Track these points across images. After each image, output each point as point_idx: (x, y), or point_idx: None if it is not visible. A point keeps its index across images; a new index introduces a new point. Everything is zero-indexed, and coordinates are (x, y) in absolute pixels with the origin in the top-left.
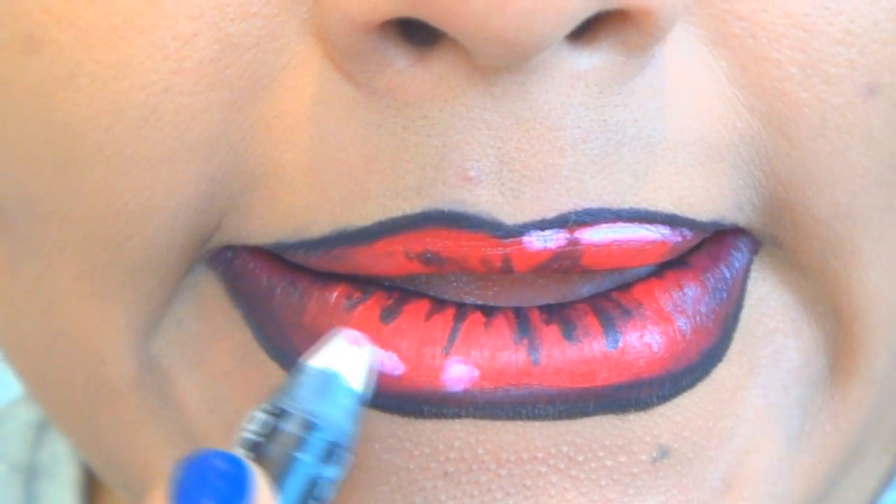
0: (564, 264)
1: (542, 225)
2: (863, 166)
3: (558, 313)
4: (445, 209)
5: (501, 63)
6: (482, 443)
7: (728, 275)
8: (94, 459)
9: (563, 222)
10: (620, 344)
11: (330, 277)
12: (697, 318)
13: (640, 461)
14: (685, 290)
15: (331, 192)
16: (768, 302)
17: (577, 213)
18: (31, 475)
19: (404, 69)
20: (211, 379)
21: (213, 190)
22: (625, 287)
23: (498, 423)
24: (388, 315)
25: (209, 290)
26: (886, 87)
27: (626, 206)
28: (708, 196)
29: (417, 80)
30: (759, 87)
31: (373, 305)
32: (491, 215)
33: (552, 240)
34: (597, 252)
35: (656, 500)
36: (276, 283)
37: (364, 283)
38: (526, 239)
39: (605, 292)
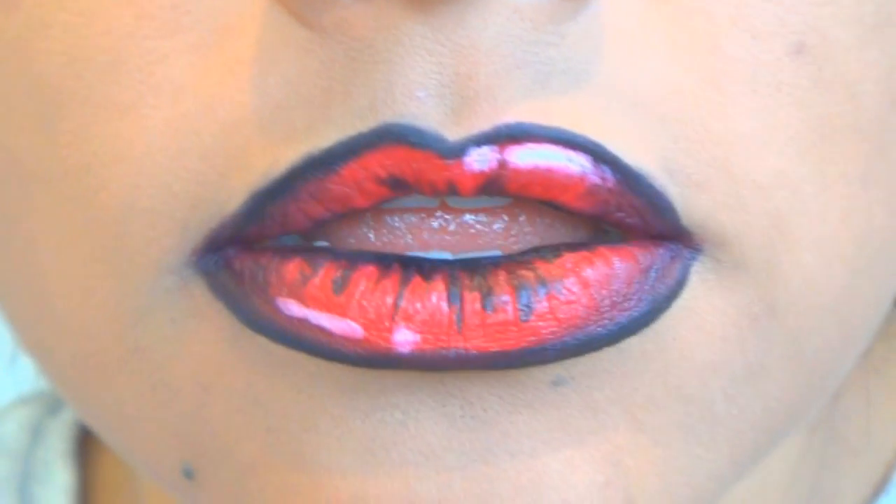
0: (495, 188)
1: (479, 140)
2: (795, 129)
3: (483, 278)
4: (397, 123)
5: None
6: (425, 389)
7: (661, 262)
8: (88, 422)
9: (496, 136)
10: (533, 316)
11: (287, 251)
12: (621, 300)
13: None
14: (614, 267)
15: (296, 124)
16: (702, 303)
17: (508, 126)
18: (25, 480)
19: (349, 5)
20: (203, 362)
21: (182, 143)
22: (552, 255)
23: (437, 375)
24: (338, 286)
25: (194, 286)
26: (813, 48)
27: (552, 125)
28: (635, 144)
29: (362, 16)
30: (694, 42)
31: (324, 278)
32: (436, 131)
33: (486, 161)
34: (522, 176)
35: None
36: (244, 265)
37: (315, 255)
38: (466, 159)
39: (529, 261)
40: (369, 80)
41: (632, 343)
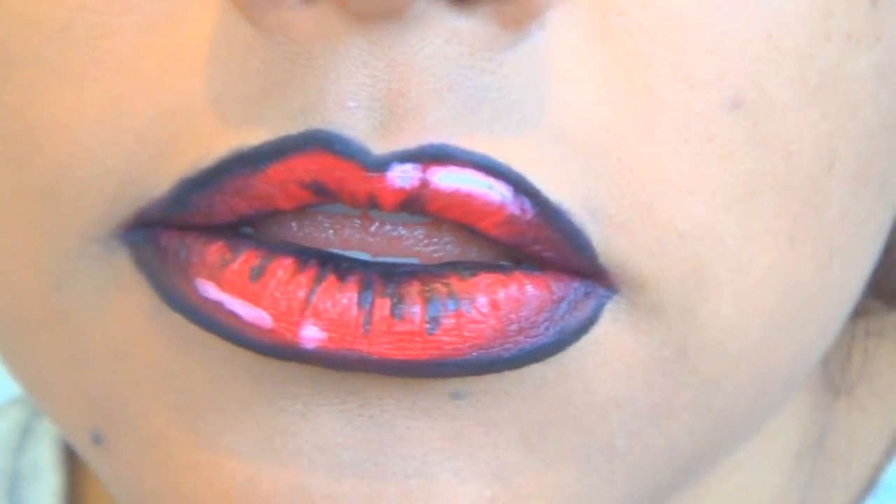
0: (415, 206)
1: (403, 157)
2: (723, 181)
3: (395, 286)
4: (324, 130)
5: (374, 13)
6: (327, 385)
7: (575, 296)
8: (17, 380)
9: (420, 155)
10: (439, 330)
11: (212, 233)
12: (528, 326)
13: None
14: (527, 293)
15: (230, 119)
16: (611, 340)
17: (433, 146)
18: (13, 481)
19: (294, 7)
20: (121, 332)
21: (118, 121)
22: (468, 273)
23: (340, 373)
24: (255, 274)
25: (119, 256)
26: (750, 104)
27: (477, 151)
28: (558, 179)
29: (304, 19)
30: (630, 86)
31: (242, 264)
32: (362, 142)
33: (408, 178)
34: (442, 198)
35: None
36: (170, 242)
37: (238, 241)
38: (389, 174)
39: (444, 275)
40: (303, 84)
41: (533, 369)
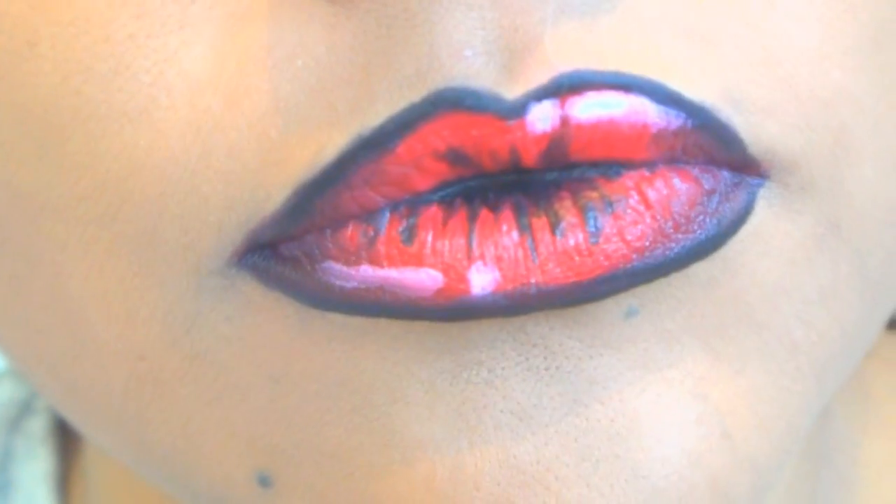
0: (559, 151)
1: (538, 94)
2: (852, 39)
3: (548, 202)
4: (449, 87)
5: None
6: (508, 342)
7: (725, 187)
8: (136, 456)
9: (556, 89)
10: (602, 238)
11: (334, 224)
12: (684, 222)
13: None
14: (676, 188)
15: (338, 106)
16: (769, 227)
17: (568, 76)
18: (5, 460)
19: None
20: (271, 355)
21: (207, 143)
22: (612, 174)
23: (518, 322)
24: (407, 236)
25: (242, 283)
26: None
27: (609, 70)
28: (696, 76)
29: None
30: None
31: (390, 230)
32: (492, 90)
33: (548, 118)
34: (586, 133)
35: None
36: (293, 251)
37: (371, 216)
38: (528, 118)
39: (591, 179)
40: (410, 47)
41: (699, 268)
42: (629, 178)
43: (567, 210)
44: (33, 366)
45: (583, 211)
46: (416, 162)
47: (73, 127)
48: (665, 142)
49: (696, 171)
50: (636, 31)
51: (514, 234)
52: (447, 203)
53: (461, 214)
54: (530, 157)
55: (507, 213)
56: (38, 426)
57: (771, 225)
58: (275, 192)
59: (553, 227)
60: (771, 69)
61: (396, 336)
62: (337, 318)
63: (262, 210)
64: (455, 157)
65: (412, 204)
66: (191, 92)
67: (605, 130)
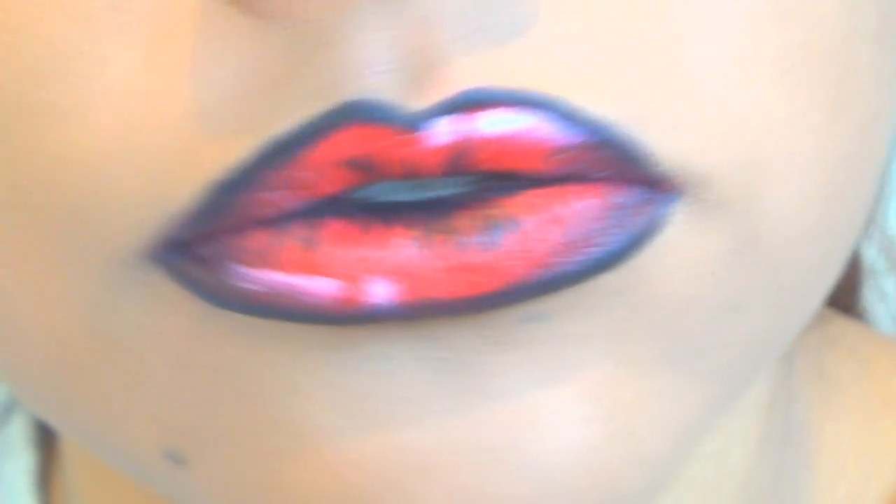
0: (462, 162)
1: (440, 110)
2: (760, 62)
3: (449, 220)
4: (356, 100)
5: None
6: (407, 336)
7: (635, 201)
8: (70, 433)
9: (457, 105)
10: (501, 255)
11: (243, 227)
12: (594, 235)
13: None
14: (586, 203)
15: (254, 113)
16: (682, 239)
17: (468, 92)
18: None
19: None
20: (177, 346)
21: (129, 143)
22: (518, 191)
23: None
24: (307, 243)
25: (156, 276)
26: None
27: (512, 86)
28: (602, 93)
29: (307, 1)
30: None
31: (292, 238)
32: (396, 104)
33: (451, 132)
34: (488, 145)
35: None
36: (205, 250)
37: (276, 220)
38: (431, 131)
39: (496, 199)
40: (324, 61)
41: (609, 279)
42: (535, 195)
43: (469, 225)
44: None
45: (485, 226)
46: (323, 169)
47: (7, 120)
48: (568, 157)
49: (604, 187)
50: (546, 52)
51: (415, 248)
52: (352, 214)
53: (364, 226)
54: (431, 169)
55: (409, 227)
56: (19, 426)
57: (684, 238)
58: (189, 191)
59: (454, 242)
60: (681, 89)
61: (295, 336)
62: (237, 317)
63: (177, 208)
64: (359, 165)
65: (318, 212)
66: (119, 94)
67: (504, 145)
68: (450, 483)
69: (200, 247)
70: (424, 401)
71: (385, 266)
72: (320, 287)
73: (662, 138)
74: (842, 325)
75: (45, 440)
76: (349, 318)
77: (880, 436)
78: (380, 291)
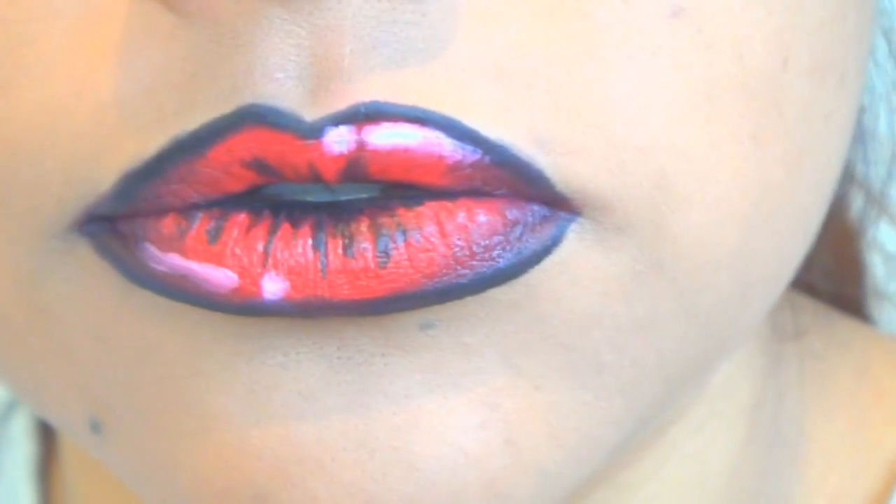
0: (357, 172)
1: (336, 119)
2: (676, 92)
3: (346, 225)
4: (256, 104)
5: None
6: (303, 332)
7: (532, 219)
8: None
9: (353, 116)
10: (390, 263)
11: (162, 210)
12: (481, 250)
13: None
14: (476, 218)
15: (165, 108)
16: (579, 259)
17: (364, 105)
18: None
19: None
20: (98, 317)
21: (55, 123)
22: (414, 203)
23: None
24: (213, 235)
25: (80, 248)
26: (691, 11)
27: (409, 103)
28: (498, 115)
29: (224, 1)
30: (564, 12)
31: (199, 228)
32: (294, 111)
33: (345, 142)
34: (382, 158)
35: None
36: (126, 226)
37: (189, 209)
38: (325, 140)
39: (392, 207)
40: (231, 64)
41: (500, 292)
42: (429, 208)
43: (362, 233)
44: None
45: (377, 235)
46: (225, 167)
47: None
48: (462, 174)
49: (500, 204)
50: (449, 73)
51: (309, 250)
52: (256, 211)
53: (265, 224)
54: (329, 175)
55: (305, 229)
56: (20, 420)
57: (581, 257)
58: (107, 176)
59: (346, 248)
60: (583, 115)
61: (200, 319)
62: (150, 295)
63: (97, 190)
64: (260, 166)
65: (225, 206)
66: (46, 76)
67: (400, 157)
68: (337, 479)
69: (122, 224)
70: (320, 396)
71: (281, 263)
72: (217, 277)
73: (561, 161)
74: (835, 321)
75: (46, 433)
76: (244, 309)
77: (871, 430)
78: (272, 287)
